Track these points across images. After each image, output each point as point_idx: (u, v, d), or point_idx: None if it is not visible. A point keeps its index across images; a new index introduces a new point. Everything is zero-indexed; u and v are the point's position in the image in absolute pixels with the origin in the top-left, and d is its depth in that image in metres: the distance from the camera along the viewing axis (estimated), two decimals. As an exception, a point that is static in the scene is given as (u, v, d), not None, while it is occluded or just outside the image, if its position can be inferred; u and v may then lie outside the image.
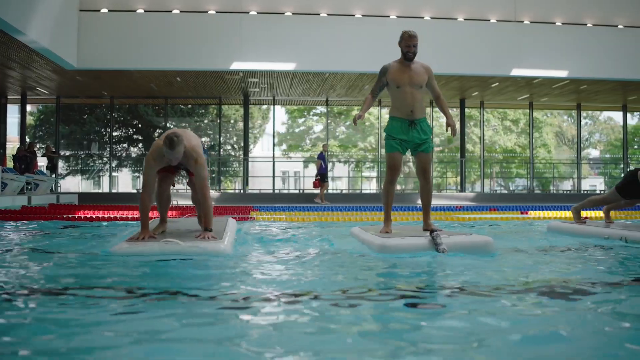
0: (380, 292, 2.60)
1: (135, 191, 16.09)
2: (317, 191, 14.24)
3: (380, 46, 13.40)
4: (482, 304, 2.34)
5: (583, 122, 34.03)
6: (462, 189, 17.01)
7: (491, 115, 26.41)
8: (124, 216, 8.42)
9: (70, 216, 8.53)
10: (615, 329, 1.97)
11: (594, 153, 35.13)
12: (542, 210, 9.75)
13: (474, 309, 2.24)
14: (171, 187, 4.60)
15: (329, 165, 16.87)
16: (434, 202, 14.42)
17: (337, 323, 2.05)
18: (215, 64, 13.25)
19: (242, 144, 22.86)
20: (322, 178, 13.78)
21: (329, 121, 27.49)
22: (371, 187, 23.10)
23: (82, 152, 18.00)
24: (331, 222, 7.88)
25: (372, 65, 13.49)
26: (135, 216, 7.89)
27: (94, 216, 8.61)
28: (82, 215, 8.88)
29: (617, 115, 31.09)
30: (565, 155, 33.33)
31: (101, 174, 18.03)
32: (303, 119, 26.50)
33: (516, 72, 13.72)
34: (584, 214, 6.91)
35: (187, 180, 4.46)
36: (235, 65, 13.17)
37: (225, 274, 3.16)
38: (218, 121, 18.64)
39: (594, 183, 30.40)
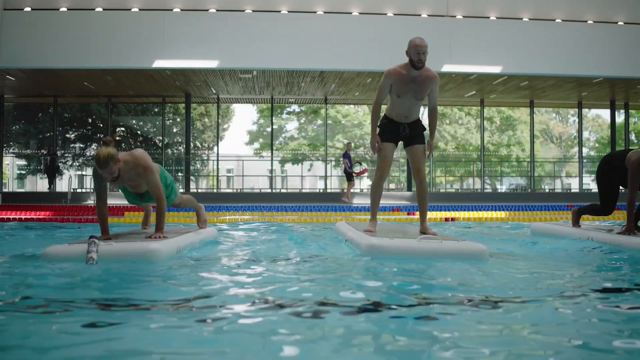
0: None
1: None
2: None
3: (307, 43, 13.19)
4: None
5: (571, 119, 33.39)
6: (409, 188, 16.67)
7: (464, 113, 25.94)
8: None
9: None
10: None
11: (584, 151, 34.57)
12: (440, 210, 9.48)
13: None
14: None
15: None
16: (358, 200, 14.07)
17: None
18: (138, 62, 13.11)
19: (207, 144, 22.99)
20: (348, 177, 13.52)
21: (302, 120, 27.47)
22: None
23: (28, 151, 18.11)
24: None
25: (301, 62, 13.33)
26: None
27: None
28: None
29: (605, 113, 30.47)
30: (552, 153, 32.70)
31: (40, 174, 18.12)
32: (275, 118, 26.30)
33: (447, 68, 13.33)
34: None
35: None
36: (158, 63, 13.03)
37: None
38: (161, 120, 18.50)
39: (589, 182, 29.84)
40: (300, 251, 4.36)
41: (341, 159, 14.31)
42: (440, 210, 9.52)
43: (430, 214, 8.95)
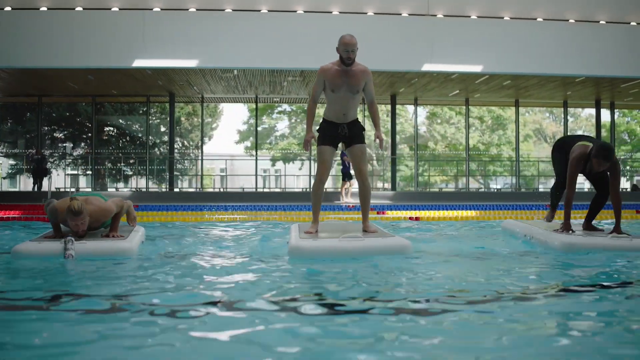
0: None
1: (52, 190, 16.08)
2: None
3: (287, 42, 13.16)
4: None
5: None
6: (393, 187, 16.66)
7: (454, 112, 25.89)
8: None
9: None
10: None
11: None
12: (400, 210, 9.46)
13: None
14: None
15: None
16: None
17: None
18: (118, 62, 13.09)
19: (195, 143, 22.97)
20: (346, 176, 13.29)
21: (293, 120, 27.48)
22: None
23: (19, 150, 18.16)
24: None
25: (281, 61, 13.31)
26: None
27: None
28: None
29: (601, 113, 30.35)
30: (546, 152, 32.60)
31: (28, 174, 18.14)
32: (265, 117, 26.33)
33: (428, 67, 13.32)
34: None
35: None
36: (138, 63, 13.02)
37: None
38: (146, 119, 18.48)
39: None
40: (231, 251, 4.36)
41: (337, 158, 14.06)
42: (409, 209, 9.50)
43: (404, 213, 8.94)
